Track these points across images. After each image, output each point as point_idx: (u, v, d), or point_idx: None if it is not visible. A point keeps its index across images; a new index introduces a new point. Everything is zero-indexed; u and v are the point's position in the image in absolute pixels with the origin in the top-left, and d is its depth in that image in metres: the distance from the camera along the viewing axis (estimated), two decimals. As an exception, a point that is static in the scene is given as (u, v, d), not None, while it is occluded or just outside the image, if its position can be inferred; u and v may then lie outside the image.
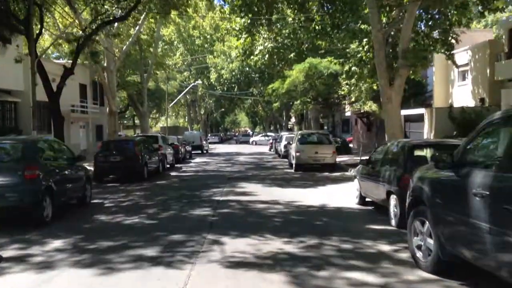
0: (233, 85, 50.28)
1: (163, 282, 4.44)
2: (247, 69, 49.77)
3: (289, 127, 58.59)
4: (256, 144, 49.61)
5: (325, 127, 54.42)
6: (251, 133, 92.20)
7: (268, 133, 54.44)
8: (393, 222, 7.09)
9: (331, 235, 6.33)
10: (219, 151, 36.56)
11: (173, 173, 17.20)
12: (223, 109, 68.33)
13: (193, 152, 33.18)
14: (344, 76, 24.53)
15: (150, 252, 5.53)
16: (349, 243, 5.89)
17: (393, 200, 7.15)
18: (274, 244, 5.83)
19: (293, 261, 5.07)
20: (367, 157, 9.16)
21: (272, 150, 34.53)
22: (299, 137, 17.16)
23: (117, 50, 25.93)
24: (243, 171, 17.46)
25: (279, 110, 45.06)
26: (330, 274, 4.63)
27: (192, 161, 24.68)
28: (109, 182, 14.39)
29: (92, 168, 14.06)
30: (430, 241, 4.54)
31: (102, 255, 5.43)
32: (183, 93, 41.54)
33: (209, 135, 59.20)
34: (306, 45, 29.05)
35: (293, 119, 61.59)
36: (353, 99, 24.43)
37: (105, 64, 23.91)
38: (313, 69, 24.76)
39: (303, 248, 5.64)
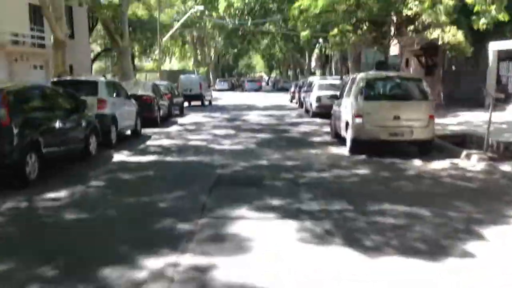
0: (246, 17, 40.83)
1: None
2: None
3: (311, 71, 49.47)
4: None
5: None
6: (266, 78, 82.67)
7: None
8: None
9: None
10: (225, 103, 28.30)
11: (120, 156, 9.14)
12: (235, 50, 59.12)
13: (192, 103, 25.23)
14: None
15: None
16: None
17: None
18: None
19: None
20: None
21: (294, 101, 26.16)
22: (362, 85, 8.58)
23: None
24: (250, 154, 9.23)
25: (308, 44, 35.75)
26: None
27: (180, 120, 16.64)
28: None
29: None
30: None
31: None
32: (181, 21, 32.61)
33: (217, 80, 50.62)
34: None
35: (313, 63, 52.30)
36: (422, 20, 15.41)
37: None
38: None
39: None
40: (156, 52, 49.71)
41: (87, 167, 7.88)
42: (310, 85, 19.24)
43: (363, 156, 8.53)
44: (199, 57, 53.59)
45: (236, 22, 41.35)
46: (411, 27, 15.77)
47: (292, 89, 27.34)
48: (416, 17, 15.48)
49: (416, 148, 8.88)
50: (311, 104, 16.95)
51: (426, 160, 8.11)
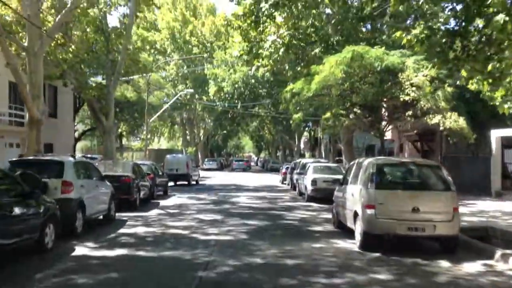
0: (236, 101, 41.41)
1: None
2: (253, 81, 41.00)
3: (301, 153, 49.26)
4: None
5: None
6: (255, 158, 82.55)
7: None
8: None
9: None
10: (213, 183, 27.00)
11: (82, 249, 7.48)
12: (225, 131, 59.47)
13: (178, 183, 24.01)
14: (409, 71, 15.40)
15: None
16: None
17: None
18: None
19: None
20: None
21: (285, 182, 25.02)
22: (372, 170, 7.35)
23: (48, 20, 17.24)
24: (241, 247, 7.64)
25: (299, 126, 35.63)
26: None
27: (163, 202, 15.12)
28: None
29: None
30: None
31: None
32: (170, 103, 32.54)
33: (205, 160, 49.83)
34: (337, 37, 20.13)
35: (302, 145, 52.38)
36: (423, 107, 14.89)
37: (25, 43, 14.84)
38: (358, 62, 15.45)
39: None
40: (145, 132, 49.60)
41: (37, 265, 6.26)
42: (304, 167, 18.21)
43: (377, 254, 7.09)
44: (188, 137, 53.42)
45: (226, 105, 41.79)
46: (410, 113, 15.24)
47: (284, 170, 26.31)
48: (414, 103, 15.04)
49: (437, 243, 7.52)
50: (306, 187, 15.74)
51: (454, 261, 6.69)
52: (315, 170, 15.90)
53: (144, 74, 28.80)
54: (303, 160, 21.13)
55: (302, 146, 52.88)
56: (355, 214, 7.63)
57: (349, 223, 8.18)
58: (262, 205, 14.54)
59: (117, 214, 11.19)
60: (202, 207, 13.64)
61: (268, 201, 15.78)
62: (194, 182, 24.98)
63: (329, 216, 11.50)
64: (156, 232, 9.09)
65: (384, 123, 17.54)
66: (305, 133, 49.72)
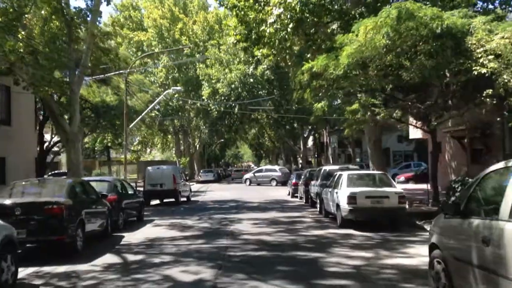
0: (233, 104, 36.65)
1: None
2: (251, 80, 36.24)
3: (307, 160, 44.30)
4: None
5: (357, 159, 39.69)
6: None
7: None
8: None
9: None
10: (208, 198, 22.03)
11: None
12: (222, 140, 54.63)
13: (164, 200, 19.39)
14: (480, 33, 10.66)
15: None
16: None
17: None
18: None
19: None
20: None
21: (297, 196, 20.10)
22: None
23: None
24: None
25: (320, 121, 30.60)
26: None
27: (128, 236, 10.08)
28: None
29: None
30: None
31: None
32: (153, 104, 27.63)
33: (201, 171, 44.86)
34: (359, 10, 15.38)
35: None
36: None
37: None
38: (405, 23, 10.59)
39: None
40: (135, 143, 44.41)
41: None
42: (329, 176, 13.31)
43: None
44: (182, 147, 48.54)
45: (222, 109, 37.01)
46: (490, 91, 10.30)
47: (294, 181, 21.29)
48: (494, 78, 10.16)
49: None
50: (338, 206, 10.76)
51: None
52: (351, 181, 10.92)
53: (122, 71, 23.96)
54: (326, 168, 16.15)
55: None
56: None
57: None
58: (278, 238, 9.54)
59: (34, 269, 6.32)
60: (184, 247, 8.65)
61: (284, 229, 10.77)
62: (184, 199, 20.12)
63: (400, 261, 6.61)
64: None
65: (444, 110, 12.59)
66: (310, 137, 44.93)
